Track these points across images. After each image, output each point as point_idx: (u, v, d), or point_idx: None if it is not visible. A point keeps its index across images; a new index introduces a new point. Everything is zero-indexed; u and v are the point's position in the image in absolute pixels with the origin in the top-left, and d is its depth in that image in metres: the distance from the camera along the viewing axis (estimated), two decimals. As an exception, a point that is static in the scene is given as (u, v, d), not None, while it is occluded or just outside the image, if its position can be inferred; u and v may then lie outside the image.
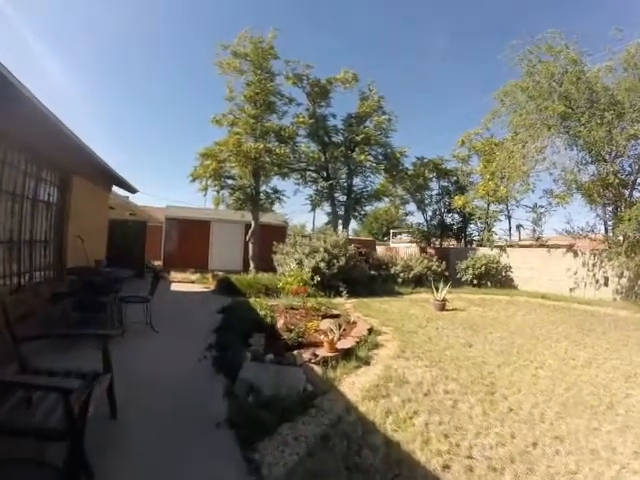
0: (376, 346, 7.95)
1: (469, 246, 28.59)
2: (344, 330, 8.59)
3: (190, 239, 23.48)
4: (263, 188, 21.22)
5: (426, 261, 20.67)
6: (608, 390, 5.78)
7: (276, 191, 21.72)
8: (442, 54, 49.34)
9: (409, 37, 47.92)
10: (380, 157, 23.53)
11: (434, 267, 20.45)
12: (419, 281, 19.65)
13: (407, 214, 31.55)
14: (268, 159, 19.57)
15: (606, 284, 17.46)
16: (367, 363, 6.75)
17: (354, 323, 9.98)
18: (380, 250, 29.29)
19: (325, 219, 47.32)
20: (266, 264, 19.21)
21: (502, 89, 19.90)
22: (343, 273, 15.85)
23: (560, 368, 6.84)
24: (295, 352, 6.82)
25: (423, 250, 25.91)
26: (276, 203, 21.85)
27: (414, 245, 29.95)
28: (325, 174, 23.71)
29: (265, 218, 22.86)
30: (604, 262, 17.51)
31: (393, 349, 7.79)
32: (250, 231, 20.94)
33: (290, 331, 8.17)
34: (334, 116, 23.10)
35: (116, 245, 16.30)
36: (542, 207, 22.28)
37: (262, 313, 9.84)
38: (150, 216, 23.67)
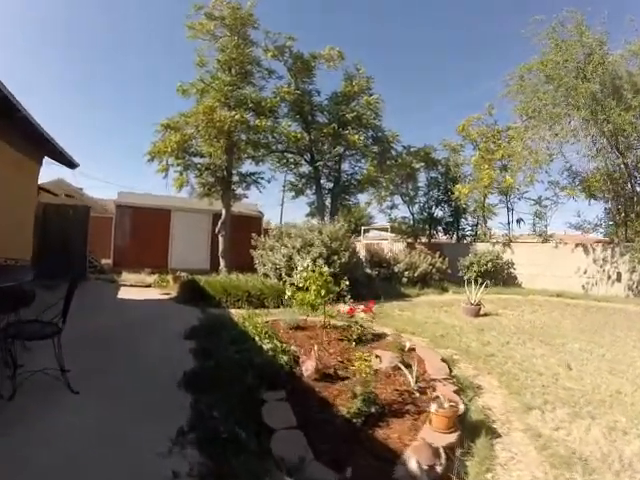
0: (474, 391, 5.15)
1: (462, 241, 26.46)
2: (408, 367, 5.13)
3: (146, 232, 18.61)
4: (236, 170, 18.06)
5: (429, 257, 18.22)
6: None
7: (252, 173, 18.40)
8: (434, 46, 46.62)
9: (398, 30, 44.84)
10: (370, 140, 20.70)
11: (438, 264, 18.11)
12: (423, 280, 17.27)
13: (392, 207, 29.02)
14: (244, 136, 16.59)
15: (619, 280, 16.61)
16: (496, 434, 3.96)
17: (411, 350, 6.40)
18: (359, 247, 26.09)
19: (300, 212, 44.38)
20: (239, 262, 15.97)
21: (524, 65, 18.47)
22: (346, 272, 12.13)
23: None
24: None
25: (410, 246, 23.06)
26: (252, 188, 18.58)
27: (399, 240, 27.59)
28: (309, 157, 20.75)
29: (237, 207, 19.20)
30: (616, 257, 16.73)
31: (501, 395, 5.14)
32: (220, 222, 17.27)
33: (336, 378, 5.07)
34: (318, 93, 20.36)
35: (47, 237, 12.74)
36: (548, 199, 21.59)
37: (267, 345, 5.86)
38: (105, 209, 19.72)
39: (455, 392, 4.67)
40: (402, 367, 5.17)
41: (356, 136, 18.62)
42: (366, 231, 36.33)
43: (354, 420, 3.90)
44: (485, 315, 11.19)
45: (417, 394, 4.58)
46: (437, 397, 4.02)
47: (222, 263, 16.79)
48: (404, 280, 16.82)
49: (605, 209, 20.08)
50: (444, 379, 5.15)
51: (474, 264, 18.92)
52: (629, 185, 18.01)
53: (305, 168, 21.73)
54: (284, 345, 6.07)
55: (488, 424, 4.13)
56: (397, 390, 4.78)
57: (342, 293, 10.97)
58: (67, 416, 3.84)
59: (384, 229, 31.84)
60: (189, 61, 18.45)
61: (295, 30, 17.51)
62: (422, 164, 25.92)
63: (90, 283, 13.65)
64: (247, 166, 18.83)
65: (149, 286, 14.12)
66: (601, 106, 15.78)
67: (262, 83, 18.22)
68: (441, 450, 3.36)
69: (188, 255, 19.09)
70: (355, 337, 7.01)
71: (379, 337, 7.54)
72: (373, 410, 4.02)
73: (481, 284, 11.81)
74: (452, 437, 3.68)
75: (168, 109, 72.20)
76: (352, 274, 12.49)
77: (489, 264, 18.64)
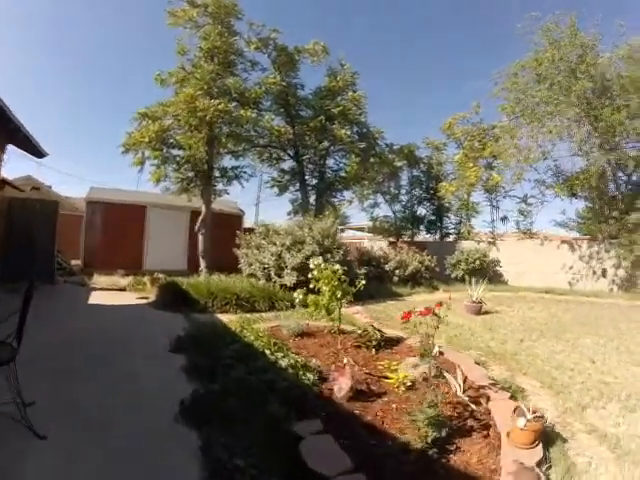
0: (521, 394, 4.77)
1: (445, 239, 26.15)
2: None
3: (120, 231, 16.92)
4: (217, 164, 17.00)
5: (418, 256, 17.66)
6: None
7: (235, 167, 17.40)
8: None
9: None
10: (356, 136, 19.93)
11: (427, 262, 17.58)
12: (413, 279, 16.83)
13: (374, 205, 28.41)
14: (225, 128, 15.57)
15: (604, 275, 17.05)
16: (562, 438, 3.63)
17: (440, 354, 5.39)
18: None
19: (276, 212, 43.41)
20: (220, 263, 14.98)
21: (518, 62, 18.56)
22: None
23: None
24: None
25: (393, 245, 22.58)
26: (233, 184, 17.54)
27: (380, 240, 27.10)
28: (293, 152, 19.88)
29: (216, 205, 17.68)
30: (601, 253, 17.20)
31: (548, 396, 4.82)
32: (200, 219, 16.00)
33: (371, 395, 4.31)
34: (303, 87, 19.57)
35: (12, 234, 11.61)
36: (534, 197, 21.41)
37: (284, 361, 4.94)
38: (74, 207, 18.36)
39: (510, 398, 4.23)
40: (447, 375, 4.52)
41: (342, 131, 17.95)
42: (342, 231, 36.00)
43: (425, 450, 3.15)
44: (486, 313, 10.93)
45: (472, 405, 3.88)
46: (518, 407, 3.47)
47: (202, 264, 15.66)
48: (395, 279, 16.29)
49: (587, 207, 20.40)
50: (491, 384, 4.56)
51: (462, 262, 18.64)
52: (613, 184, 18.53)
53: (288, 164, 20.92)
54: (303, 359, 5.18)
55: (551, 429, 3.72)
56: (449, 403, 4.07)
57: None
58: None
59: (360, 229, 31.46)
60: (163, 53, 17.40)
61: (280, 25, 16.90)
62: (404, 162, 25.58)
63: (59, 287, 12.42)
64: (226, 161, 17.92)
65: (123, 289, 12.88)
66: (592, 105, 16.18)
67: (245, 75, 17.21)
68: (537, 470, 2.91)
69: (165, 255, 17.72)
70: (375, 343, 6.25)
71: (397, 341, 6.81)
72: (444, 434, 3.28)
73: (477, 282, 11.64)
74: (539, 451, 3.20)
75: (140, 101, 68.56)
76: (347, 274, 11.86)
77: (477, 262, 18.35)
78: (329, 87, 19.30)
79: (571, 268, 17.86)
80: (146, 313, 9.41)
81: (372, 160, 20.96)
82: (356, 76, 19.65)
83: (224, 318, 8.58)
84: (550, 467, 3.13)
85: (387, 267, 16.46)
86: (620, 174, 18.42)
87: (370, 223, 28.96)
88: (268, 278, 12.04)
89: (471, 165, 21.58)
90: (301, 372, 4.64)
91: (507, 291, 16.52)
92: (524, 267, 18.97)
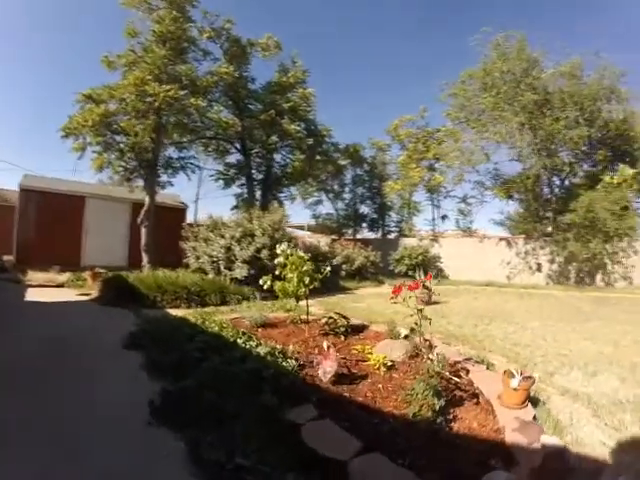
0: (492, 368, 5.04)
1: (387, 236, 26.80)
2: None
3: (56, 223, 15.31)
4: (162, 154, 16.22)
5: (364, 251, 18.11)
6: None
7: (181, 158, 16.75)
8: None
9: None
10: (305, 133, 19.68)
11: (372, 258, 18.12)
12: (360, 273, 17.27)
13: (316, 203, 28.72)
14: (173, 117, 14.87)
15: (539, 270, 18.69)
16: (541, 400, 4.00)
17: (406, 337, 5.46)
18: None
19: (216, 209, 42.35)
20: (164, 257, 14.15)
21: (467, 71, 20.03)
22: None
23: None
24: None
25: (336, 242, 22.97)
26: (179, 175, 16.90)
27: (321, 237, 26.96)
28: (240, 145, 19.51)
29: (158, 197, 16.71)
30: (536, 250, 18.82)
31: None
32: (143, 210, 15.03)
33: (353, 378, 4.19)
34: (253, 81, 19.33)
35: None
36: (473, 197, 22.87)
37: (263, 349, 4.71)
38: (4, 199, 17.16)
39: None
40: (424, 353, 4.56)
41: (292, 126, 17.88)
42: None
43: (429, 420, 3.16)
44: (436, 303, 11.21)
45: (455, 378, 3.98)
46: (508, 370, 3.61)
47: (145, 258, 14.76)
48: (342, 274, 16.52)
49: (523, 207, 21.81)
50: (465, 360, 4.74)
51: (405, 257, 19.38)
52: (548, 187, 20.31)
53: (234, 157, 20.63)
54: (280, 347, 4.96)
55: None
56: (432, 378, 4.11)
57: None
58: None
59: (300, 227, 31.55)
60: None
61: (235, 17, 16.59)
62: (349, 161, 26.06)
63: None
64: (170, 152, 17.19)
65: (61, 286, 11.79)
66: (534, 115, 17.67)
67: (196, 64, 16.61)
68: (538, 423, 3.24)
69: (104, 250, 16.51)
70: (343, 330, 6.13)
71: (362, 328, 6.81)
72: (443, 402, 3.33)
73: (411, 276, 11.99)
74: (530, 410, 3.50)
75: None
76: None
77: (420, 257, 19.12)
78: (279, 82, 19.16)
79: (509, 263, 19.11)
80: (90, 310, 8.62)
81: (318, 158, 21.04)
82: (307, 74, 19.67)
83: (176, 313, 8.06)
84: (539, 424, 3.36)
85: (334, 262, 16.46)
86: (555, 179, 20.09)
87: (310, 222, 29.16)
88: (217, 272, 11.64)
89: (414, 166, 22.83)
90: (280, 359, 4.47)
91: (449, 285, 17.14)
92: (464, 263, 19.88)
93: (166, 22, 14.59)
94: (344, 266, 16.64)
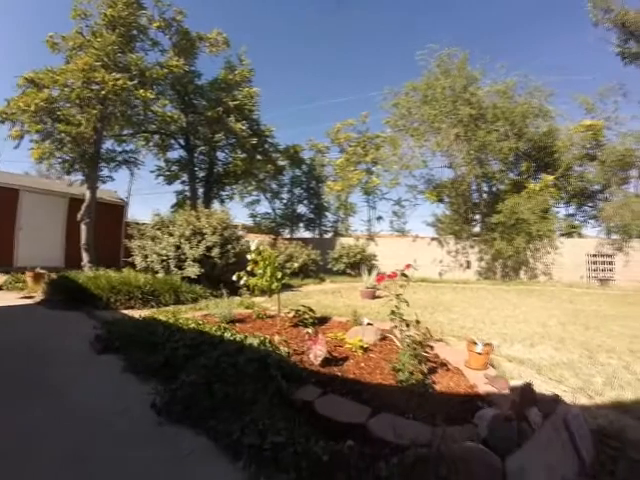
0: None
1: (324, 236, 27.60)
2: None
3: None
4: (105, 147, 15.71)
5: (306, 250, 18.67)
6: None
7: (126, 151, 16.32)
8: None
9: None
10: (249, 132, 19.82)
11: (313, 256, 18.70)
12: (302, 272, 17.79)
13: (253, 202, 28.96)
14: (118, 108, 14.22)
15: (469, 267, 20.42)
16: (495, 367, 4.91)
17: (369, 325, 6.19)
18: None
19: (155, 207, 41.16)
20: (104, 257, 13.95)
21: (410, 84, 21.31)
22: (240, 263, 10.85)
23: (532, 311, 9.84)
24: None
25: (274, 241, 23.43)
26: (122, 168, 16.42)
27: (261, 236, 27.45)
28: (184, 141, 19.39)
29: (97, 193, 15.85)
30: (466, 249, 20.64)
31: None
32: (84, 206, 14.30)
33: (336, 360, 4.67)
34: (199, 76, 19.14)
35: None
36: (407, 200, 24.51)
37: (254, 340, 4.96)
38: None
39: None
40: (391, 336, 5.33)
41: (238, 124, 17.95)
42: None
43: (418, 384, 3.82)
44: (379, 297, 11.91)
45: (424, 353, 4.68)
46: (472, 339, 4.42)
47: (85, 257, 13.99)
48: (286, 271, 16.69)
49: (453, 210, 23.37)
50: (426, 339, 5.38)
51: (343, 256, 20.36)
52: (477, 193, 22.20)
53: (177, 153, 20.52)
54: (268, 337, 5.24)
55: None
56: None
57: (237, 285, 10.69)
58: None
59: (234, 226, 31.67)
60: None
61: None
62: (288, 161, 26.47)
63: None
64: (109, 145, 16.63)
65: None
66: (469, 127, 19.39)
67: (143, 54, 15.98)
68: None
69: (40, 248, 15.39)
70: (311, 321, 6.67)
71: (325, 320, 7.37)
72: (426, 368, 4.08)
73: (348, 274, 12.64)
74: (492, 371, 4.46)
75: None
76: (245, 265, 12.01)
77: (357, 256, 20.23)
78: (225, 80, 19.17)
79: (441, 261, 20.68)
80: (40, 314, 8.00)
81: (259, 157, 21.31)
82: (253, 72, 19.90)
83: (133, 314, 7.71)
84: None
85: (279, 260, 16.85)
86: (484, 185, 21.91)
87: (244, 221, 29.38)
88: (167, 271, 11.46)
89: (352, 169, 24.08)
90: (271, 348, 4.76)
91: (386, 282, 17.95)
92: (399, 261, 20.32)
93: (119, 6, 14.13)
94: (287, 264, 16.97)
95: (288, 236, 27.02)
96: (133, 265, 12.27)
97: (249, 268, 7.01)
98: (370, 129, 25.93)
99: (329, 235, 27.73)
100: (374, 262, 21.44)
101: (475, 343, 4.40)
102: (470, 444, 2.45)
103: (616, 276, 17.90)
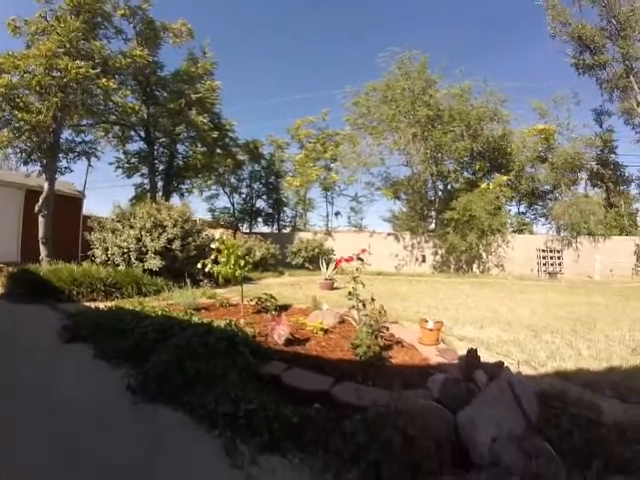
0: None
1: (282, 231, 27.85)
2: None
3: None
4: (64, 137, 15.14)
5: (264, 244, 18.81)
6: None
7: (85, 142, 15.69)
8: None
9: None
10: (210, 125, 19.67)
11: (272, 250, 18.92)
12: (261, 265, 17.80)
13: (212, 197, 28.63)
14: (80, 96, 13.71)
15: (424, 261, 21.23)
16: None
17: (328, 310, 6.62)
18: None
19: (111, 199, 39.78)
20: (61, 251, 13.40)
21: (371, 84, 21.92)
22: (201, 256, 11.27)
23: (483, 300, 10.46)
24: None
25: (233, 235, 23.51)
26: (82, 160, 15.84)
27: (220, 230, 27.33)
28: (144, 133, 18.99)
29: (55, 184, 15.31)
30: (421, 244, 21.40)
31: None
32: (42, 198, 13.68)
33: (298, 341, 4.98)
34: (162, 67, 18.76)
35: None
36: (364, 197, 25.51)
37: (220, 322, 5.16)
38: None
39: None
40: (349, 319, 5.78)
41: (200, 117, 17.81)
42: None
43: (376, 356, 4.18)
44: (337, 288, 12.27)
45: (381, 333, 5.03)
46: (423, 318, 4.80)
47: (43, 251, 13.50)
48: (247, 262, 16.80)
49: (409, 207, 24.44)
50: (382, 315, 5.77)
51: (302, 250, 20.67)
52: (432, 190, 23.15)
53: (137, 146, 20.15)
54: (233, 320, 5.52)
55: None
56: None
57: (198, 277, 10.80)
58: None
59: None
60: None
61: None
62: (248, 156, 26.45)
63: None
64: (67, 136, 15.77)
65: None
66: (426, 127, 20.18)
67: (106, 42, 15.58)
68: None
69: None
70: (273, 307, 7.01)
71: (287, 307, 7.77)
72: (382, 343, 4.41)
73: (307, 267, 12.85)
74: (443, 345, 5.08)
75: None
76: (206, 258, 12.03)
77: (315, 250, 20.55)
78: (188, 72, 18.97)
79: (397, 256, 21.29)
80: (1, 308, 7.83)
81: (219, 151, 21.29)
82: (215, 65, 19.83)
83: (97, 306, 7.49)
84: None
85: (238, 253, 16.93)
86: (439, 183, 22.86)
87: (203, 216, 29.15)
88: (128, 263, 11.29)
89: (311, 165, 24.39)
90: (237, 330, 4.86)
91: (343, 274, 18.28)
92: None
93: None
94: (246, 257, 16.94)
95: (247, 231, 27.05)
96: (92, 259, 11.92)
97: (213, 256, 7.17)
98: (330, 126, 26.44)
99: (287, 230, 27.93)
100: (332, 257, 21.29)
101: (427, 321, 4.84)
102: (425, 402, 2.80)
103: (565, 270, 19.07)
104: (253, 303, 7.39)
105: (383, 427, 2.49)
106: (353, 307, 5.25)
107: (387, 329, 5.35)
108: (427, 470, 2.27)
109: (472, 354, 3.30)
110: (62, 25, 13.30)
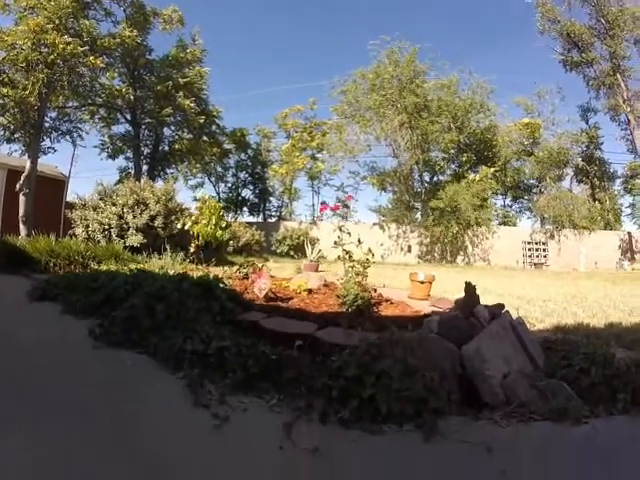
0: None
1: (268, 220, 27.45)
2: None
3: None
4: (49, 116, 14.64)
5: (249, 230, 18.49)
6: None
7: (70, 120, 15.16)
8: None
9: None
10: (197, 110, 19.32)
11: (256, 237, 18.58)
12: (245, 250, 17.36)
13: (197, 186, 28.25)
14: (67, 74, 13.36)
15: (410, 250, 20.97)
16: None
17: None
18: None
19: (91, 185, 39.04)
20: (42, 230, 12.88)
21: (360, 71, 21.57)
22: (183, 238, 10.45)
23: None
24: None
25: (221, 221, 23.38)
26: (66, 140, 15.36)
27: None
28: (130, 116, 18.54)
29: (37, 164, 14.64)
30: (407, 233, 21.18)
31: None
32: (23, 177, 13.24)
33: (280, 299, 4.69)
34: (150, 51, 18.49)
35: None
36: (350, 186, 24.89)
37: (196, 273, 5.09)
38: None
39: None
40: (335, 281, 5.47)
41: (187, 101, 17.46)
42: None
43: (366, 307, 3.95)
44: (322, 271, 12.11)
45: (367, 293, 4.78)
46: (414, 271, 4.46)
47: (23, 230, 13.09)
48: (229, 249, 16.57)
49: (395, 197, 24.16)
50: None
51: (287, 238, 20.43)
52: (419, 182, 23.09)
53: (123, 128, 19.71)
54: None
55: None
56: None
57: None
58: None
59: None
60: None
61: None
62: (234, 145, 26.15)
63: None
64: (51, 116, 15.33)
65: None
66: (413, 116, 20.11)
67: (95, 23, 15.27)
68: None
69: None
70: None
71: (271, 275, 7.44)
72: (370, 296, 4.20)
73: (292, 256, 12.61)
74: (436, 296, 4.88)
75: None
76: (189, 241, 11.75)
77: (300, 238, 20.11)
78: (176, 57, 18.66)
79: (382, 245, 20.81)
80: None
81: (205, 139, 20.93)
82: (205, 53, 19.55)
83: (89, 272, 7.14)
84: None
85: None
86: (426, 175, 22.98)
87: (188, 205, 28.86)
88: (109, 240, 10.88)
89: (298, 154, 24.14)
90: (216, 281, 4.44)
91: (329, 262, 18.29)
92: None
93: None
94: (231, 242, 16.72)
95: (232, 220, 26.82)
96: (74, 237, 11.29)
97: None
98: (318, 116, 26.02)
99: (273, 220, 27.49)
100: (317, 245, 21.51)
101: (417, 274, 4.51)
102: (424, 333, 2.53)
103: (549, 262, 19.13)
104: (235, 274, 6.99)
105: (378, 357, 2.15)
106: (339, 257, 4.92)
107: (375, 290, 5.10)
108: (433, 407, 1.95)
109: (470, 289, 3.01)
110: (52, 2, 12.83)
